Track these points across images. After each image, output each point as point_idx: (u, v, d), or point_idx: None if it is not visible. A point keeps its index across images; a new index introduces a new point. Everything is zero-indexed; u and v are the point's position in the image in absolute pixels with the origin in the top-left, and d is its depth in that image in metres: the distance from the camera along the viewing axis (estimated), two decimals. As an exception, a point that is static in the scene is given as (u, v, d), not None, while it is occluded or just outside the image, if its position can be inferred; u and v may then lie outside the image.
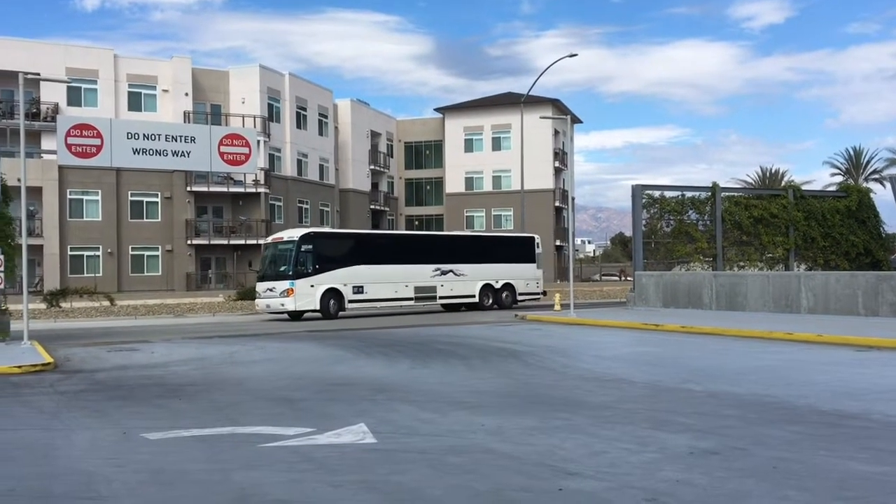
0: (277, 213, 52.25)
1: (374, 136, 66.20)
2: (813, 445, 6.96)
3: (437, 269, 29.88)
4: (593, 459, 6.55)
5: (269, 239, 29.26)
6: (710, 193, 28.46)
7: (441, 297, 30.10)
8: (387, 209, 67.45)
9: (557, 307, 27.62)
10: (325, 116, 58.42)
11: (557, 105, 63.46)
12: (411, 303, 29.24)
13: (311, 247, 26.56)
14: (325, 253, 27.03)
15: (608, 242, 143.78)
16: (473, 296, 30.87)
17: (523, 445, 7.12)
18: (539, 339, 17.37)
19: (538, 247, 33.21)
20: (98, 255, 46.50)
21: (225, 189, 49.33)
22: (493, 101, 66.71)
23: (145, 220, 48.08)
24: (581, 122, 73.29)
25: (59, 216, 45.18)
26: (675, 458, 6.56)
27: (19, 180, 17.64)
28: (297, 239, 26.64)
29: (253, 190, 49.56)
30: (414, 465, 6.49)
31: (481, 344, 16.53)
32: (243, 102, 50.30)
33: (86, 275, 44.50)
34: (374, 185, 66.07)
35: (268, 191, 50.26)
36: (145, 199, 48.07)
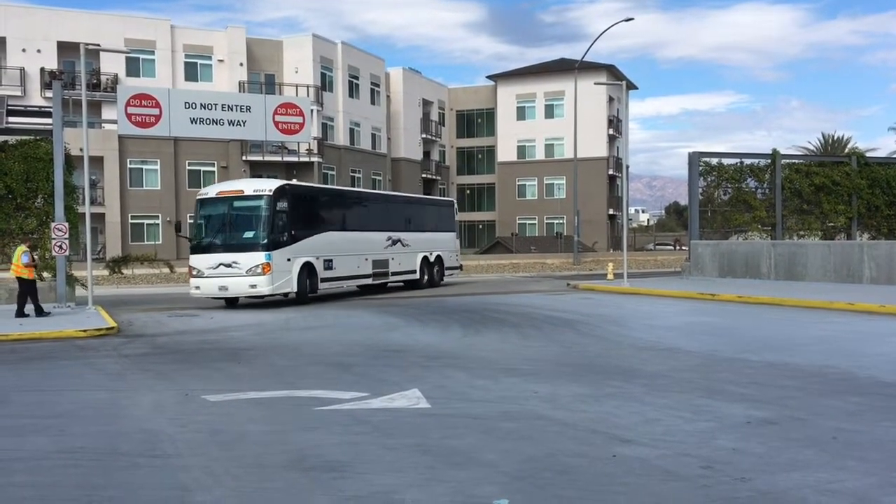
0: (330, 182, 52.55)
1: (426, 104, 66.00)
2: (874, 417, 6.83)
3: (388, 239, 23.80)
4: (647, 427, 6.53)
5: (213, 192, 20.07)
6: (769, 161, 27.75)
7: (393, 274, 23.91)
8: (438, 178, 67.40)
9: (610, 276, 27.39)
10: (378, 85, 58.39)
11: (612, 71, 62.25)
12: (369, 281, 22.91)
13: (286, 205, 19.15)
14: (302, 215, 19.98)
15: (662, 211, 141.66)
16: (414, 271, 25.02)
17: (577, 413, 7.13)
18: (592, 308, 17.27)
19: (456, 213, 29.10)
20: (157, 224, 47.54)
21: (279, 158, 49.81)
22: (546, 68, 65.71)
23: (202, 189, 48.87)
24: (636, 88, 71.81)
25: (119, 185, 46.19)
26: (732, 427, 6.50)
27: (82, 150, 18.15)
28: (270, 193, 18.87)
29: (307, 159, 49.92)
30: (468, 430, 6.55)
31: (533, 312, 16.51)
32: (296, 72, 50.54)
33: (146, 242, 45.58)
34: (426, 154, 66.02)
35: (321, 160, 50.58)
36: (202, 169, 48.82)
